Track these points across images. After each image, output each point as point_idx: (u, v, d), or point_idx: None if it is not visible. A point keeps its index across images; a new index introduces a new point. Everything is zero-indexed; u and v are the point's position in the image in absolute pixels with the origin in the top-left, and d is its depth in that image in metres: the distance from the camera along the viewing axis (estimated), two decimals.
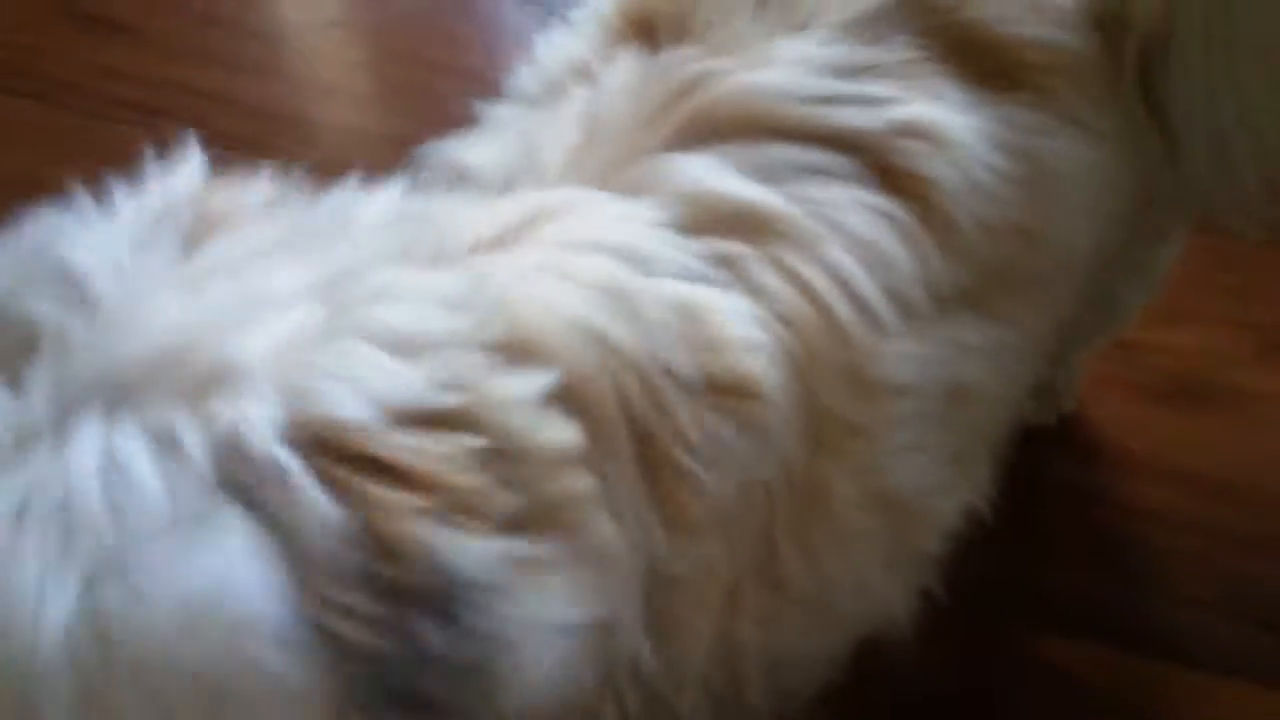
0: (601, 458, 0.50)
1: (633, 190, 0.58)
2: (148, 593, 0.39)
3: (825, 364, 0.57)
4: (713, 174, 0.58)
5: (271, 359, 0.43)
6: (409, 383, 0.43)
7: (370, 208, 0.52)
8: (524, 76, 0.68)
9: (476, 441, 0.44)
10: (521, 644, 0.42)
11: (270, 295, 0.45)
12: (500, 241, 0.55)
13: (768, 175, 0.58)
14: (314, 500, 0.41)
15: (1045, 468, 1.05)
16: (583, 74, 0.65)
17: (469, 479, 0.43)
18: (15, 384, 0.43)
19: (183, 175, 0.50)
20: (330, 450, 0.42)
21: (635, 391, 0.52)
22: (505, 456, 0.45)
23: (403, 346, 0.44)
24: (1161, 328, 1.10)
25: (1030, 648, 1.00)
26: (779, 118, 0.59)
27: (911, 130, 0.60)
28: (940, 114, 0.61)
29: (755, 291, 0.56)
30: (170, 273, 0.46)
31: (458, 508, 0.42)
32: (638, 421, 0.52)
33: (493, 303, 0.49)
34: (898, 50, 0.62)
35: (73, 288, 0.45)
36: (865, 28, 0.63)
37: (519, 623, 0.42)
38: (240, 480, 0.41)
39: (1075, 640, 0.99)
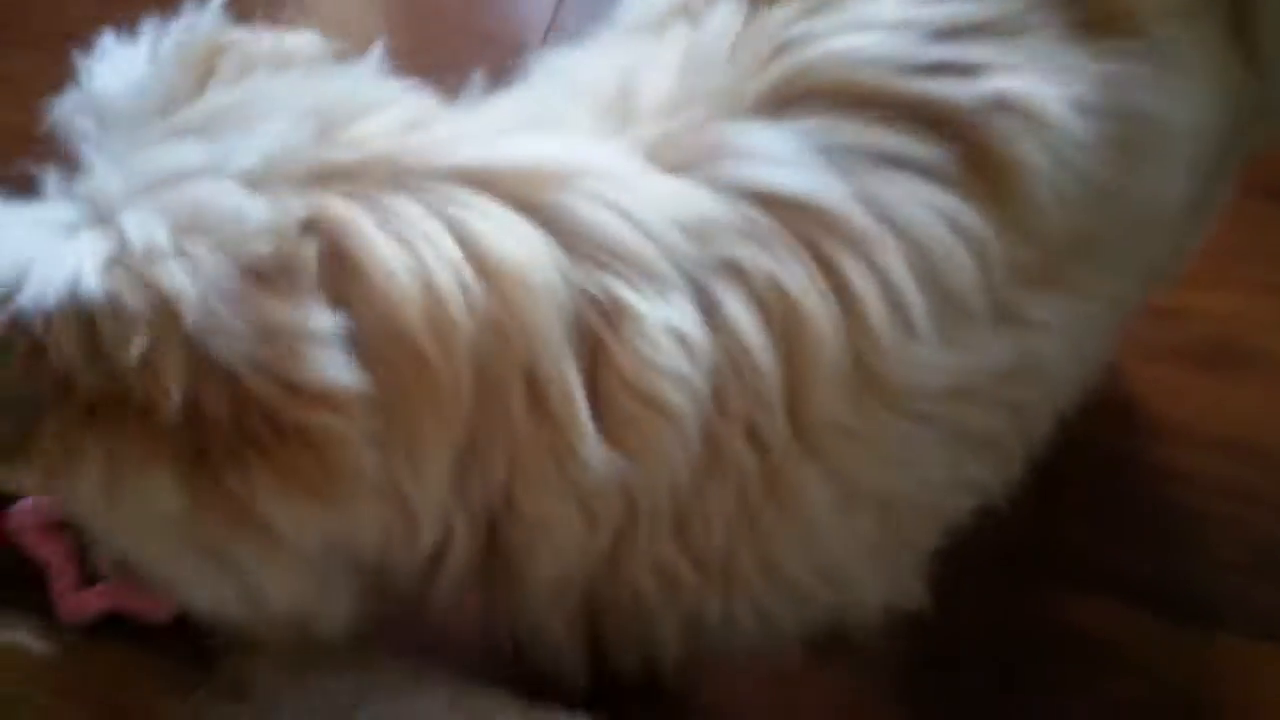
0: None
1: (697, 160, 0.58)
2: None
3: (829, 366, 0.56)
4: (777, 155, 0.57)
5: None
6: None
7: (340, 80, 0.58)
8: (631, 7, 0.69)
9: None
10: None
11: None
12: (498, 185, 0.56)
13: (841, 163, 0.58)
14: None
15: (1079, 430, 1.05)
16: (685, 12, 0.65)
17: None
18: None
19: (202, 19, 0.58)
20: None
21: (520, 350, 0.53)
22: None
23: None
24: (1201, 293, 1.09)
25: (1060, 609, 1.00)
26: (870, 87, 0.58)
27: (1005, 104, 0.59)
28: (1040, 87, 0.60)
29: (764, 275, 0.56)
30: (179, 103, 0.55)
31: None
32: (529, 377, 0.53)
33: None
34: (1000, 2, 0.61)
35: (102, 110, 0.55)
36: None
37: None
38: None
39: (1106, 602, 0.99)
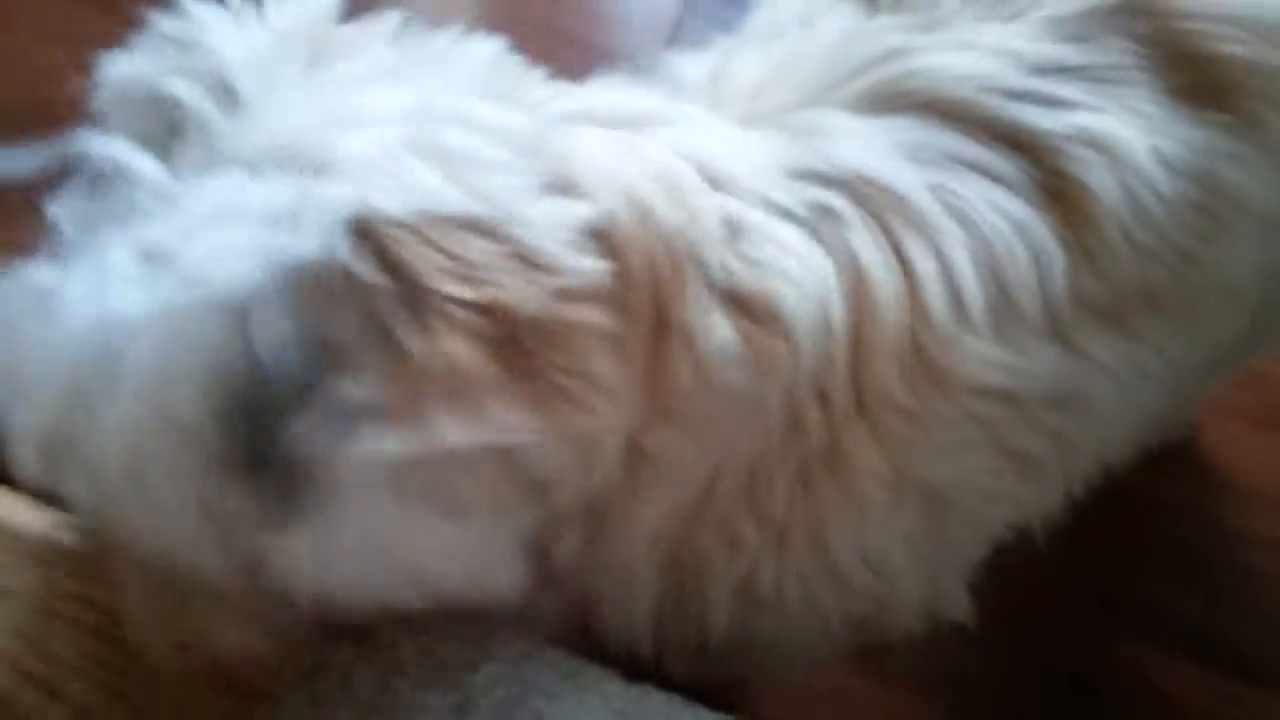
0: (619, 307, 0.51)
1: (778, 130, 0.59)
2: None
3: (892, 343, 0.57)
4: (861, 141, 0.59)
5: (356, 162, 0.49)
6: (440, 193, 0.49)
7: (474, 52, 0.58)
8: (757, 17, 0.69)
9: (496, 247, 0.48)
10: None
11: (371, 113, 0.52)
12: (594, 118, 0.57)
13: (920, 159, 0.59)
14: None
15: (1149, 483, 1.08)
16: (806, 23, 0.66)
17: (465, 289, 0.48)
18: (166, 160, 0.51)
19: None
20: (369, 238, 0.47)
21: (663, 265, 0.53)
22: (526, 265, 0.49)
23: (450, 163, 0.50)
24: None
25: (1113, 655, 1.02)
26: (958, 103, 0.60)
27: (1089, 139, 0.60)
28: (1124, 130, 0.61)
29: (843, 249, 0.57)
30: (300, 81, 0.53)
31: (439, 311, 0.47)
32: (659, 289, 0.53)
33: (552, 150, 0.53)
34: (1104, 53, 0.62)
35: (221, 81, 0.52)
36: (1077, 24, 0.62)
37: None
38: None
39: (1160, 652, 1.02)
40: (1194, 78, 0.63)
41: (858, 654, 0.76)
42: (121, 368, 0.47)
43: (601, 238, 0.51)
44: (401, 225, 0.47)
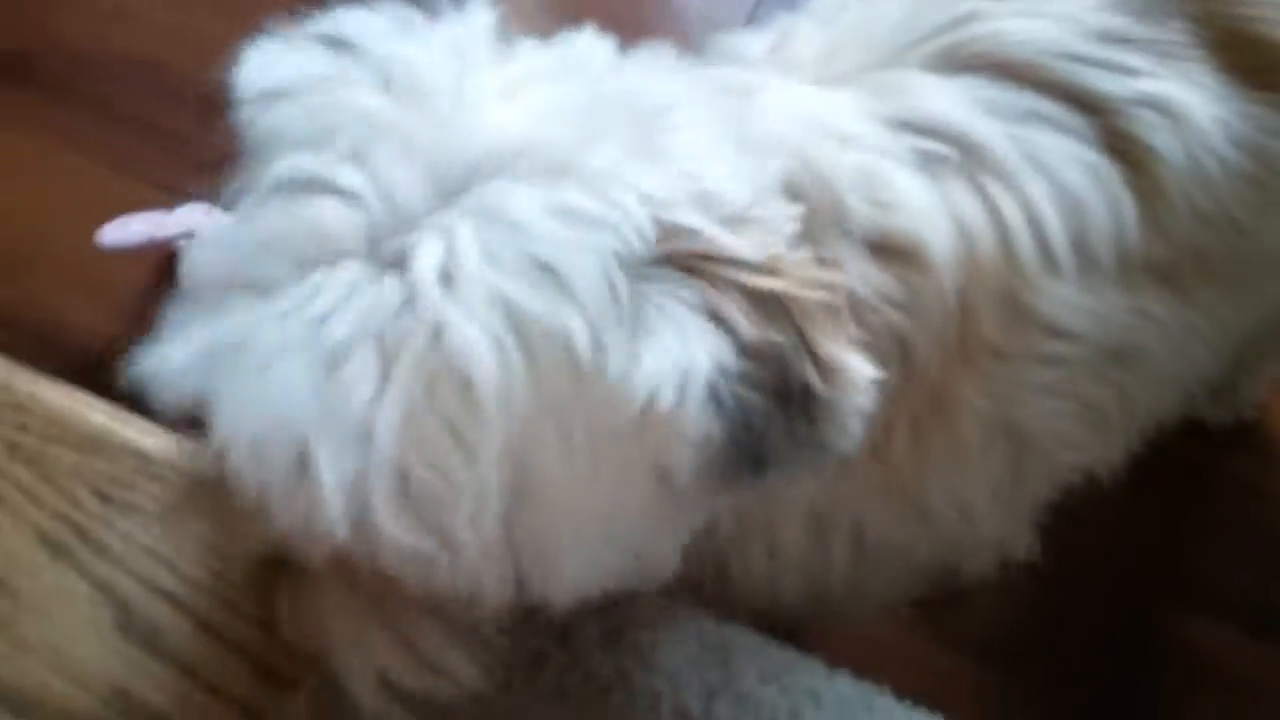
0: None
1: (859, 88, 0.61)
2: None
3: (989, 283, 0.59)
4: (941, 96, 0.60)
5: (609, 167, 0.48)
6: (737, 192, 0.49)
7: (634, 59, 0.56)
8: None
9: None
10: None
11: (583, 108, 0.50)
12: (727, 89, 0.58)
13: (997, 112, 0.60)
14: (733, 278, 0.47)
15: (1217, 463, 1.09)
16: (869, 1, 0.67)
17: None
18: (362, 166, 0.47)
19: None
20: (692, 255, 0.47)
21: (829, 218, 0.55)
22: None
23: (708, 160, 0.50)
24: None
25: (1167, 626, 1.04)
26: (1030, 66, 0.61)
27: (1154, 104, 0.62)
28: (1188, 97, 0.62)
29: (949, 195, 0.58)
30: (491, 81, 0.50)
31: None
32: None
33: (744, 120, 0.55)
34: (1165, 29, 0.64)
35: (411, 86, 0.49)
36: (1141, 1, 0.64)
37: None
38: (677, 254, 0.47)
39: (1214, 624, 1.04)
40: (1245, 58, 0.65)
41: (923, 602, 0.78)
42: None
43: (788, 191, 0.53)
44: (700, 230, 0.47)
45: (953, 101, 0.60)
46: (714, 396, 0.46)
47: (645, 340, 0.46)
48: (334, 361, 0.44)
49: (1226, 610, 1.04)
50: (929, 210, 0.57)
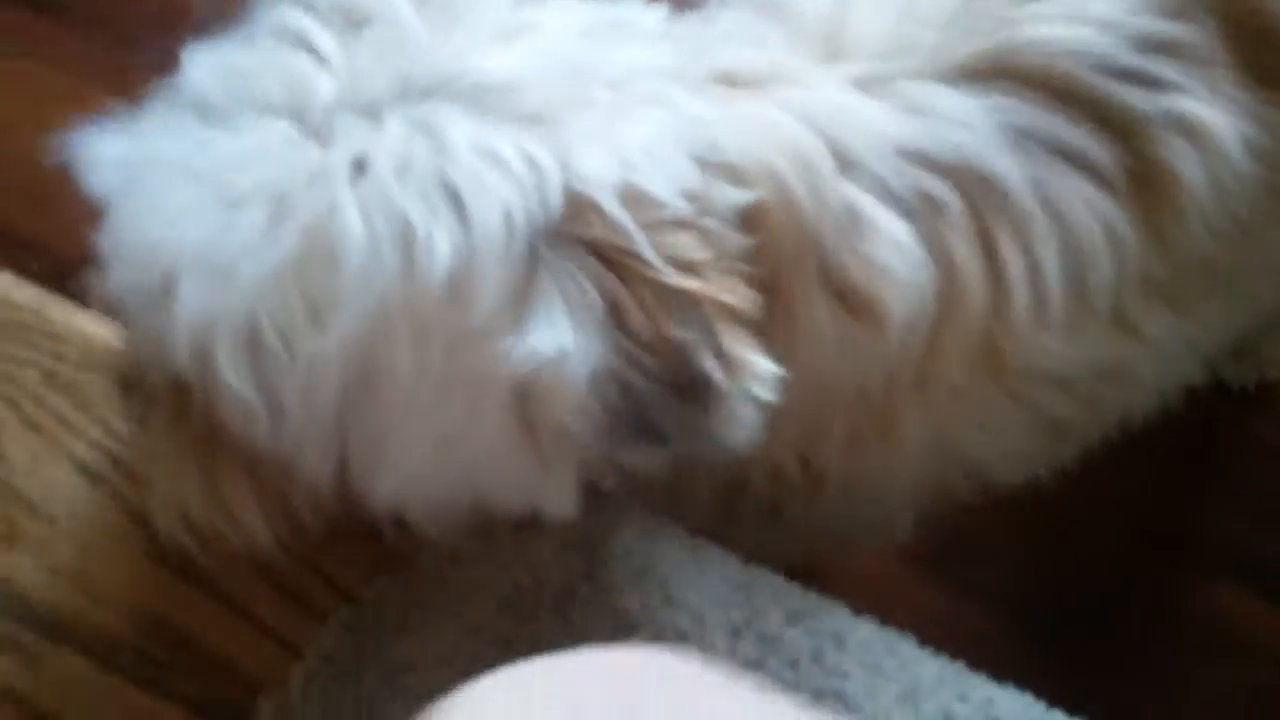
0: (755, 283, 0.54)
1: (892, 101, 0.60)
2: None
3: (968, 328, 0.59)
4: (969, 123, 0.59)
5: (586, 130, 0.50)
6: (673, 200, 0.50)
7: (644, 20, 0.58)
8: None
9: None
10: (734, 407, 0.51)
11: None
12: (734, 80, 0.59)
13: (1024, 147, 0.60)
14: (642, 273, 0.49)
15: (1239, 422, 1.09)
16: None
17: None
18: (348, 43, 0.50)
19: None
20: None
21: (794, 250, 0.56)
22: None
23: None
24: None
25: (1196, 591, 1.05)
26: (1065, 79, 0.61)
27: (1184, 127, 0.61)
28: (1217, 117, 0.62)
29: (943, 246, 0.58)
30: (506, 20, 0.53)
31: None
32: (784, 270, 0.56)
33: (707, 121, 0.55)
34: (1197, 32, 0.63)
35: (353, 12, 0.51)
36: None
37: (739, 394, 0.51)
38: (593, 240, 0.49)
39: (1235, 587, 1.04)
40: (1271, 58, 0.64)
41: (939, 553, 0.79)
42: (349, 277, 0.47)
43: (749, 219, 0.54)
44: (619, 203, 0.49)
45: (981, 132, 0.59)
46: (595, 384, 0.49)
47: (533, 311, 0.48)
48: (229, 203, 0.47)
49: (1246, 574, 1.05)
50: (903, 272, 0.57)
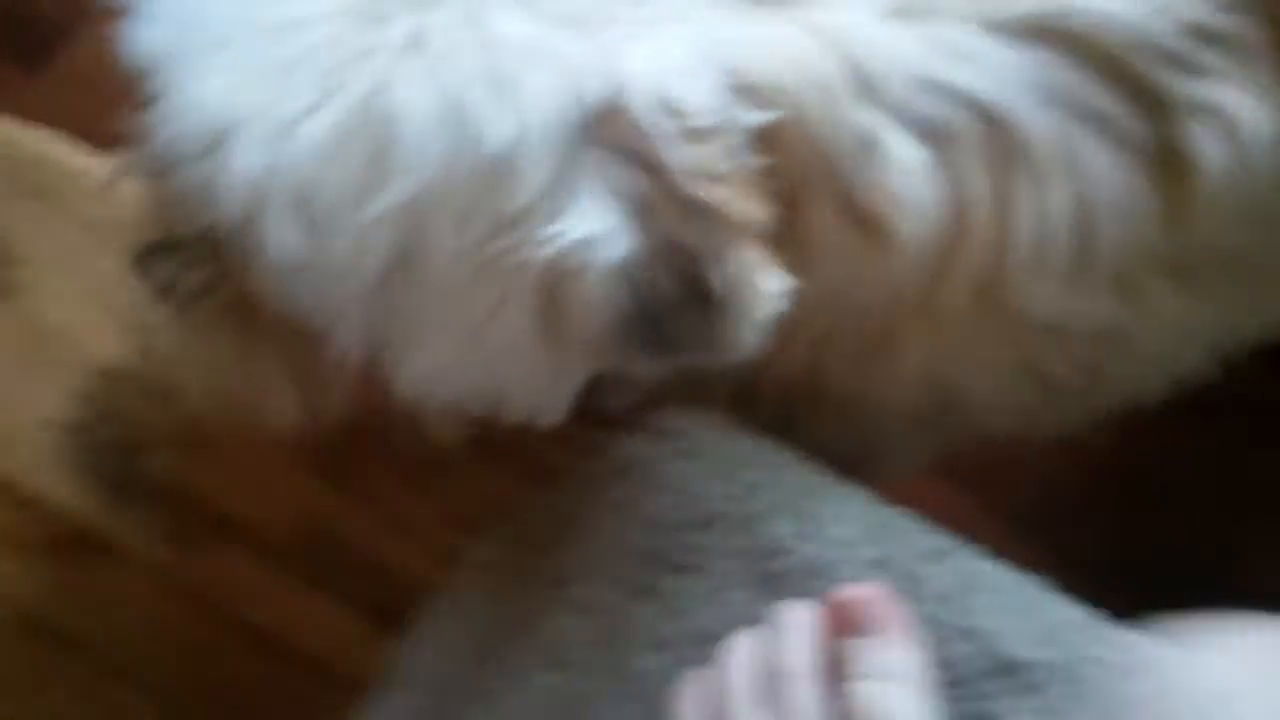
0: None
1: (926, 35, 0.60)
2: None
3: (972, 262, 0.60)
4: (1001, 73, 0.59)
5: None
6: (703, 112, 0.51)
7: None
8: None
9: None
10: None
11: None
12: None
13: (1058, 102, 0.59)
14: (667, 179, 0.51)
15: None
16: None
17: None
18: None
19: None
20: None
21: (808, 171, 0.57)
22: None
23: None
24: None
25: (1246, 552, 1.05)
26: (1109, 51, 0.60)
27: (1213, 113, 0.61)
28: (1252, 112, 0.61)
29: (956, 177, 0.58)
30: None
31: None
32: (799, 190, 0.57)
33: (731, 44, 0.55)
34: (1247, 25, 0.62)
35: None
36: None
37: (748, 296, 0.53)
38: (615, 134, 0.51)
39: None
40: None
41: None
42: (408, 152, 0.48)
43: (768, 137, 0.55)
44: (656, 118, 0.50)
45: (1013, 83, 0.59)
46: (623, 274, 0.51)
47: (571, 200, 0.50)
48: (286, 66, 0.48)
49: None
50: (914, 194, 0.58)
